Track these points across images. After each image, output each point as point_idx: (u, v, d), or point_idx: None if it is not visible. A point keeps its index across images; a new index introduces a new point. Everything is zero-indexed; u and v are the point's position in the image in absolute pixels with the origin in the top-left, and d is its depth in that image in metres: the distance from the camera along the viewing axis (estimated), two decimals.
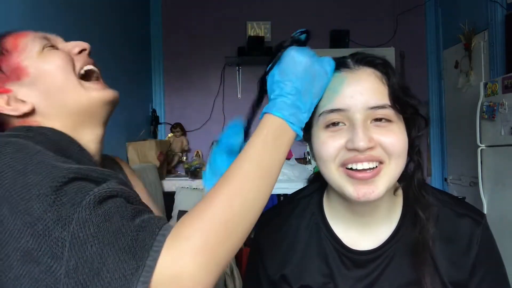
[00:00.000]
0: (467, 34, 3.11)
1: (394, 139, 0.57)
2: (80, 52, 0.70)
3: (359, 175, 0.57)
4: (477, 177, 2.64)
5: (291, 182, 2.40)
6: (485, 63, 3.00)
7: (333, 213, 0.69)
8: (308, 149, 0.67)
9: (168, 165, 3.39)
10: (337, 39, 3.74)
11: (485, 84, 2.57)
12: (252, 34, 3.70)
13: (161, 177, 3.05)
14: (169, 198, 2.95)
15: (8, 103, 0.62)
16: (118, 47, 2.80)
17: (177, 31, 3.74)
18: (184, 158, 3.64)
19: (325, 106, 0.59)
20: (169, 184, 3.10)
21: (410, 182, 0.63)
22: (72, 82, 0.65)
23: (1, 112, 0.63)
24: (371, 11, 3.80)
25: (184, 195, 2.94)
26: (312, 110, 0.58)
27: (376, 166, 0.57)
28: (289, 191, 2.35)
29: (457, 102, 3.42)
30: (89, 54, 0.72)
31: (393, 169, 0.58)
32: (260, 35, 3.70)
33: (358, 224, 0.66)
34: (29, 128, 0.61)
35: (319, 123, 0.60)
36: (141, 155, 2.87)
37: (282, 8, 3.78)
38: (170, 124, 3.67)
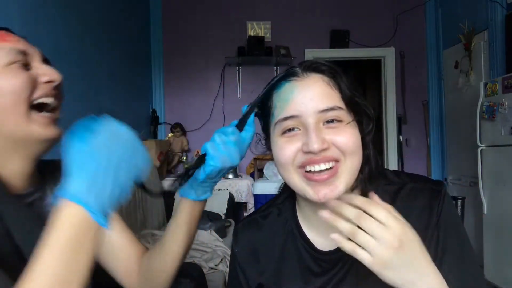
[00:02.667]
0: (467, 34, 3.11)
1: (346, 137, 0.60)
2: (48, 82, 0.64)
3: (317, 177, 0.59)
4: (477, 177, 2.64)
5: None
6: (485, 63, 3.00)
7: (304, 218, 0.71)
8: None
9: (168, 165, 3.39)
10: (337, 39, 3.74)
11: (485, 84, 2.58)
12: (252, 34, 3.70)
13: (161, 177, 3.05)
14: (169, 198, 2.95)
15: None
16: (118, 47, 2.80)
17: (177, 31, 3.74)
18: (184, 158, 3.64)
19: (279, 115, 0.62)
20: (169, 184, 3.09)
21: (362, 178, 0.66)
22: (19, 109, 0.59)
23: None
24: (371, 11, 3.80)
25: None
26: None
27: (332, 167, 0.60)
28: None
29: (457, 102, 3.42)
30: (58, 86, 0.67)
31: (349, 166, 0.60)
32: (260, 35, 3.70)
33: (327, 226, 0.66)
34: None
35: (276, 131, 0.63)
36: None
37: (282, 8, 3.78)
38: (170, 124, 3.67)
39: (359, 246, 0.51)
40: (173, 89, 3.76)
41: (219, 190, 3.03)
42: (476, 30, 3.06)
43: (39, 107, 0.63)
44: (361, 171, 0.64)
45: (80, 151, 0.49)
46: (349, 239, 0.52)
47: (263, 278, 0.70)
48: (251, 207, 3.09)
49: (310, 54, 3.77)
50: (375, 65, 4.14)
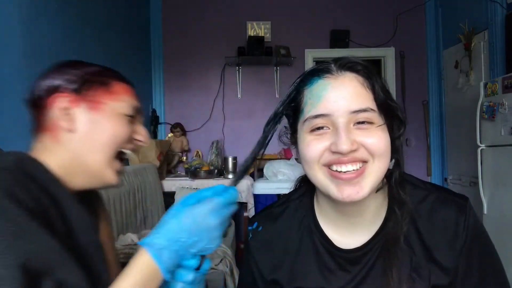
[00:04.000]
0: (467, 34, 3.12)
1: (376, 139, 0.59)
2: (138, 140, 0.76)
3: (344, 176, 0.59)
4: (477, 177, 2.64)
5: (290, 182, 2.39)
6: (485, 63, 3.00)
7: (323, 214, 0.70)
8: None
9: (168, 165, 3.39)
10: (337, 39, 3.74)
11: (485, 84, 2.58)
12: (252, 34, 3.71)
13: (161, 177, 3.05)
14: (169, 198, 2.95)
15: (65, 111, 0.67)
16: (118, 47, 2.80)
17: (177, 31, 3.75)
18: (184, 158, 3.65)
19: (309, 112, 0.61)
20: (169, 184, 3.10)
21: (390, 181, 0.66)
22: (108, 150, 0.70)
23: (53, 108, 0.67)
24: (371, 11, 3.80)
25: (184, 195, 2.93)
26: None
27: (360, 167, 0.59)
28: (289, 191, 2.36)
29: (457, 102, 3.42)
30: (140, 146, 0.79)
31: (377, 168, 0.60)
32: (260, 35, 3.70)
33: (347, 225, 0.67)
34: (22, 162, 0.63)
35: (304, 128, 0.63)
36: (141, 155, 2.88)
37: (282, 8, 3.78)
38: (170, 124, 3.67)
39: None
40: (173, 89, 3.76)
41: None
42: (476, 30, 3.06)
43: (119, 155, 0.73)
44: (391, 175, 0.64)
45: (179, 216, 0.59)
46: None
47: (278, 273, 0.69)
48: (251, 207, 3.08)
49: (310, 54, 3.77)
50: (375, 65, 4.14)
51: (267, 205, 0.78)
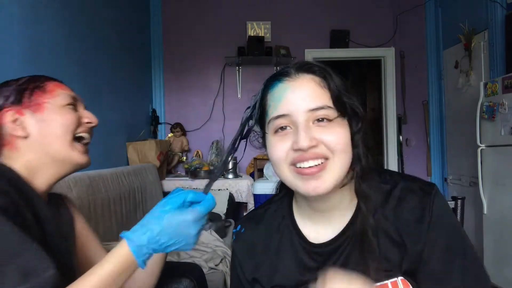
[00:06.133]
0: (467, 34, 3.12)
1: (335, 136, 0.62)
2: (88, 122, 0.85)
3: (307, 171, 0.62)
4: (477, 177, 2.64)
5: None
6: (485, 63, 3.00)
7: (300, 213, 0.74)
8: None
9: (168, 165, 3.39)
10: (337, 39, 3.74)
11: (485, 84, 2.58)
12: (252, 34, 3.71)
13: (161, 177, 3.05)
14: None
15: (15, 122, 0.76)
16: (118, 47, 2.80)
17: (177, 31, 3.75)
18: (184, 158, 3.65)
19: (272, 113, 0.65)
20: (169, 184, 3.10)
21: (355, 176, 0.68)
22: (66, 137, 0.79)
23: (4, 124, 0.76)
24: (371, 11, 3.80)
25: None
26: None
27: (321, 163, 0.62)
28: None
29: (457, 102, 3.42)
30: (93, 127, 0.88)
31: (338, 164, 0.63)
32: (260, 35, 3.70)
33: (322, 221, 0.71)
34: None
35: (269, 130, 0.66)
36: (141, 155, 2.87)
37: (282, 8, 3.78)
38: (170, 124, 3.67)
39: None
40: (173, 89, 3.76)
41: (219, 190, 3.03)
42: (476, 30, 3.06)
43: (78, 139, 0.83)
44: (352, 169, 0.66)
45: (160, 217, 0.65)
46: None
47: (258, 273, 0.73)
48: (251, 207, 3.09)
49: (310, 54, 3.77)
50: (375, 65, 4.14)
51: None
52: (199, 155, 3.65)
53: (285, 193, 0.79)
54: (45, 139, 0.77)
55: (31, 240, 0.63)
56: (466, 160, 3.18)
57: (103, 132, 2.46)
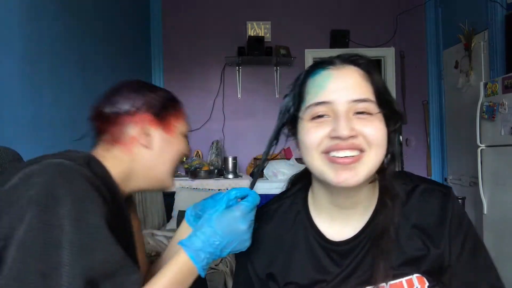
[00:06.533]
0: (467, 34, 3.11)
1: (375, 130, 0.61)
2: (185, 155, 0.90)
3: (341, 160, 0.61)
4: (477, 177, 2.64)
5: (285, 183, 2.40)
6: (485, 63, 3.00)
7: (317, 208, 0.72)
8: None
9: None
10: (337, 39, 3.74)
11: (485, 84, 2.58)
12: (252, 34, 3.71)
13: None
14: (169, 198, 2.95)
15: (145, 130, 0.78)
16: (118, 47, 2.80)
17: (177, 31, 3.75)
18: (184, 158, 3.64)
19: (311, 100, 0.64)
20: None
21: (384, 173, 0.68)
22: (173, 164, 0.83)
23: (135, 125, 0.77)
24: (371, 11, 3.80)
25: (184, 195, 2.94)
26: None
27: (357, 155, 0.61)
28: (281, 190, 2.35)
29: (457, 102, 3.42)
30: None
31: (373, 158, 0.62)
32: (260, 35, 3.70)
33: (341, 216, 0.70)
34: (90, 161, 0.71)
35: (305, 116, 0.65)
36: None
37: (282, 8, 3.78)
38: None
39: None
40: (173, 89, 3.65)
41: (219, 190, 3.03)
42: (476, 30, 3.06)
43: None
44: (384, 168, 0.66)
45: (209, 219, 0.67)
46: None
47: (273, 268, 0.71)
48: None
49: (310, 54, 3.77)
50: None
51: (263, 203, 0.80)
52: (199, 155, 3.65)
53: (299, 187, 0.77)
54: (160, 159, 0.80)
55: (127, 256, 0.64)
56: (466, 160, 3.18)
57: None
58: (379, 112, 0.63)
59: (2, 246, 0.53)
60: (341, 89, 0.62)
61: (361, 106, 0.61)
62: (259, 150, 3.63)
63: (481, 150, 2.60)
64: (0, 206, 0.57)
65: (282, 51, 3.64)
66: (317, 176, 0.65)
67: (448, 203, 0.66)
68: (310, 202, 0.74)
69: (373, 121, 0.62)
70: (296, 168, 2.71)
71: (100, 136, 0.78)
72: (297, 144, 0.69)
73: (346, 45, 3.73)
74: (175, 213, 2.86)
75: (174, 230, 2.67)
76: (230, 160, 3.25)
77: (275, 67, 3.75)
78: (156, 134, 0.79)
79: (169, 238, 2.50)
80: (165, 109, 0.80)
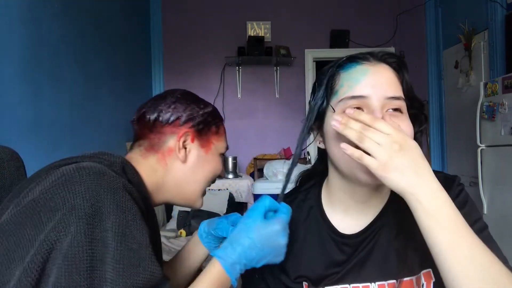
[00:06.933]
0: (467, 34, 3.11)
1: (408, 127, 0.62)
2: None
3: None
4: (477, 177, 2.64)
5: (290, 182, 2.40)
6: (485, 63, 3.00)
7: (332, 203, 0.72)
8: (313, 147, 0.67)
9: None
10: (337, 39, 3.74)
11: (485, 84, 2.58)
12: (252, 34, 3.71)
13: None
14: None
15: (184, 143, 0.75)
16: (119, 47, 2.80)
17: (177, 31, 3.75)
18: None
19: (346, 93, 0.63)
20: None
21: None
22: (205, 183, 0.80)
23: (174, 137, 0.75)
24: (371, 11, 3.80)
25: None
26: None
27: None
28: (291, 188, 2.35)
29: (457, 102, 3.42)
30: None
31: None
32: (260, 35, 3.70)
33: (357, 212, 0.70)
34: (125, 168, 0.69)
35: (338, 109, 0.64)
36: None
37: (282, 8, 3.78)
38: None
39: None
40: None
41: (219, 190, 3.03)
42: (476, 30, 3.06)
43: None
44: None
45: (248, 229, 0.65)
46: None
47: (286, 261, 0.71)
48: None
49: (310, 54, 3.77)
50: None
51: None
52: None
53: (312, 183, 0.78)
54: (192, 176, 0.77)
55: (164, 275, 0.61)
56: (466, 160, 3.18)
57: (103, 132, 2.46)
58: (407, 113, 0.63)
59: (46, 256, 0.51)
60: (378, 84, 0.62)
61: (395, 104, 0.62)
62: (259, 150, 3.63)
63: (481, 150, 2.60)
64: (38, 207, 0.54)
65: (282, 51, 3.64)
66: (344, 170, 0.64)
67: (453, 185, 0.66)
68: (324, 197, 0.74)
69: (404, 120, 0.62)
70: (297, 168, 2.70)
71: (138, 140, 0.77)
72: (321, 137, 0.69)
73: (346, 45, 3.74)
74: (175, 213, 2.87)
75: (174, 230, 2.67)
76: (230, 160, 3.25)
77: (275, 67, 3.75)
78: (194, 149, 0.76)
79: (169, 238, 2.50)
80: (207, 125, 0.78)
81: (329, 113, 0.66)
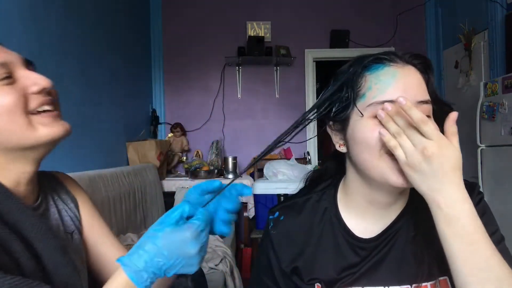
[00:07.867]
0: (467, 34, 3.11)
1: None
2: (38, 91, 0.62)
3: None
4: (477, 177, 2.64)
5: (290, 182, 2.39)
6: (485, 63, 3.00)
7: (348, 206, 0.71)
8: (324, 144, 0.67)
9: (168, 165, 3.39)
10: (337, 39, 3.74)
11: (485, 84, 2.58)
12: (252, 34, 3.71)
13: (161, 177, 3.05)
14: (169, 198, 2.95)
15: None
16: (118, 47, 2.80)
17: (177, 31, 3.75)
18: (184, 158, 3.65)
19: (375, 97, 0.60)
20: (169, 184, 3.10)
21: None
22: (18, 124, 0.59)
23: None
24: (371, 11, 3.80)
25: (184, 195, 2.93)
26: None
27: None
28: (289, 191, 2.36)
29: (457, 102, 3.40)
30: (50, 91, 0.67)
31: None
32: (260, 35, 3.70)
33: (374, 216, 0.69)
34: None
35: (367, 113, 0.61)
36: (141, 155, 2.87)
37: (282, 8, 3.78)
38: (170, 124, 3.67)
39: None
40: (173, 89, 3.76)
41: None
42: (476, 30, 3.05)
43: (35, 112, 0.62)
44: None
45: (155, 236, 0.57)
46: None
47: (299, 263, 0.70)
48: (251, 207, 3.09)
49: (310, 54, 3.77)
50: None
51: (271, 203, 0.77)
52: (199, 155, 3.65)
53: (327, 184, 0.76)
54: None
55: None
56: (466, 160, 3.13)
57: (103, 132, 2.47)
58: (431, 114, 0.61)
59: None
60: (408, 89, 0.59)
61: (424, 108, 0.59)
62: (259, 150, 3.63)
63: (481, 150, 2.60)
64: None
65: (282, 51, 3.64)
66: (373, 175, 0.62)
67: (474, 191, 0.65)
68: (339, 199, 0.73)
69: (433, 123, 0.59)
70: (296, 168, 2.71)
71: None
72: (343, 139, 0.67)
73: (346, 45, 3.74)
74: None
75: None
76: (230, 160, 3.26)
77: (275, 67, 3.75)
78: None
79: None
80: None
81: (355, 116, 0.63)
